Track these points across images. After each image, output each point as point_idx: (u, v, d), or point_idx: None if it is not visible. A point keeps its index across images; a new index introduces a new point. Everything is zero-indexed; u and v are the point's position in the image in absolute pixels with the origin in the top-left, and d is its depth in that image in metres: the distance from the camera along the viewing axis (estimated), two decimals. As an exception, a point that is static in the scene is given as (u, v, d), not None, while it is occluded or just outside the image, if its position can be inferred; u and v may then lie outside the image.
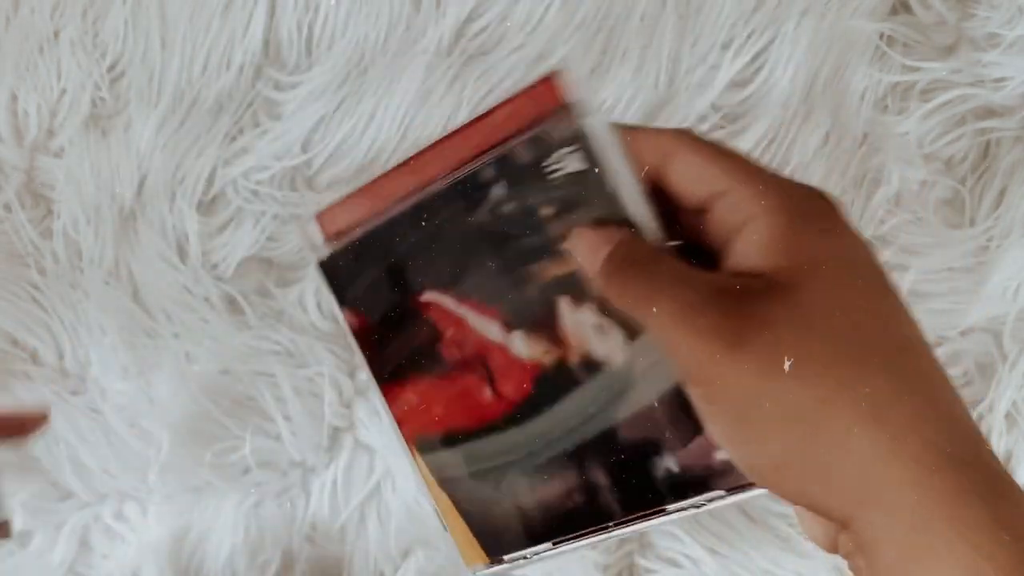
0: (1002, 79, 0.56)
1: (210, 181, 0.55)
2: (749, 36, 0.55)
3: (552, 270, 0.36)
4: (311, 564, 0.54)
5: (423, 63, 0.55)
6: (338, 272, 0.38)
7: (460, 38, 0.56)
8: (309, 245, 0.38)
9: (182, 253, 0.55)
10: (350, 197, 0.37)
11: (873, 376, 0.27)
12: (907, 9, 0.57)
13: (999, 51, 0.56)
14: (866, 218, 0.55)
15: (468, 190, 0.36)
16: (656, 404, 0.35)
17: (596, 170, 0.33)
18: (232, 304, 0.55)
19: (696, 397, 0.29)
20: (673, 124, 0.55)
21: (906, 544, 0.26)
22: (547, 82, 0.33)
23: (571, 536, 0.37)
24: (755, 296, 0.27)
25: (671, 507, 0.35)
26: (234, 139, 0.55)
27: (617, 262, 0.31)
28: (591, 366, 0.35)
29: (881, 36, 0.56)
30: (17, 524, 0.55)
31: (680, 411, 0.34)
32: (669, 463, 0.35)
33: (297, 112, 0.55)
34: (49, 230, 0.55)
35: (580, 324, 0.35)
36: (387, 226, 0.37)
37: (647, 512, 0.36)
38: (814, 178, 0.55)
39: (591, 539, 0.37)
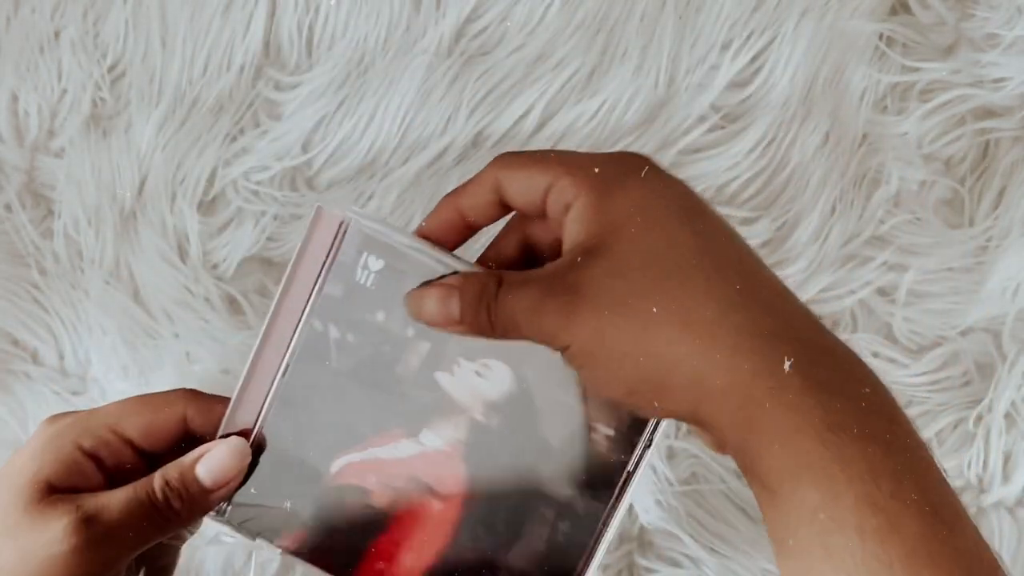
0: (1001, 79, 0.56)
1: (211, 181, 0.55)
2: (749, 37, 0.56)
3: (414, 358, 0.38)
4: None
5: (423, 63, 0.55)
6: (252, 518, 0.39)
7: (460, 38, 0.56)
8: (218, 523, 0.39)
9: (183, 253, 0.55)
10: (218, 445, 0.39)
11: (677, 291, 0.31)
12: (906, 9, 0.57)
13: (998, 51, 0.56)
14: (865, 218, 0.56)
15: (312, 349, 0.39)
16: (560, 395, 0.38)
17: (391, 258, 0.37)
18: (233, 304, 0.55)
19: (567, 364, 0.33)
20: (673, 124, 0.55)
21: (739, 421, 0.30)
22: (318, 218, 0.37)
23: (586, 559, 0.38)
24: (578, 267, 0.32)
25: (630, 464, 0.38)
26: (234, 139, 0.55)
27: (472, 304, 0.34)
28: (495, 408, 0.39)
29: (880, 36, 0.56)
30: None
31: (577, 386, 0.37)
32: (603, 431, 0.38)
33: (297, 112, 0.55)
34: (50, 230, 0.55)
35: (464, 382, 0.38)
36: (268, 439, 0.39)
37: (620, 487, 0.38)
38: (814, 178, 0.55)
39: (602, 549, 0.38)
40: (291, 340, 0.38)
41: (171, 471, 0.37)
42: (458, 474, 0.39)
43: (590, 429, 0.38)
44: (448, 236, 0.37)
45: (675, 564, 0.53)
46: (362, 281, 0.38)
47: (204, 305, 0.54)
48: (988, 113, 0.57)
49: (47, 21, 0.56)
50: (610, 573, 0.53)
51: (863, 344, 0.55)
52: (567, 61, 0.55)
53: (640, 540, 0.54)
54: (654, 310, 0.31)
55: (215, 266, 0.55)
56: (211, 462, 0.38)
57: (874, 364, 0.55)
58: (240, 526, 0.39)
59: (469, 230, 0.37)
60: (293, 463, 0.39)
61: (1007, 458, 0.56)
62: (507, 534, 0.39)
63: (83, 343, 0.55)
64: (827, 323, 0.55)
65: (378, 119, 0.55)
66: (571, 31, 0.55)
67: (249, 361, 0.39)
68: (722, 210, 0.55)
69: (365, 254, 0.37)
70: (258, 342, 0.39)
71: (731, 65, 0.55)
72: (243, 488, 0.39)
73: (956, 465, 0.55)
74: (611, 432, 0.38)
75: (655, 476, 0.53)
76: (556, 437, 0.39)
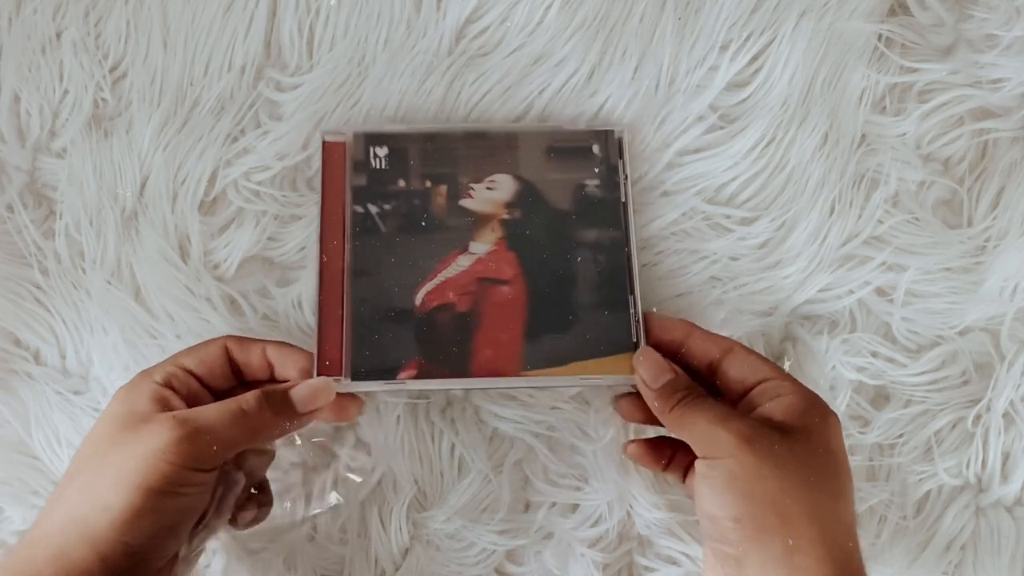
0: (1000, 80, 0.56)
1: (211, 182, 0.55)
2: (748, 37, 0.56)
3: (440, 199, 0.52)
4: (311, 564, 0.54)
5: (423, 64, 0.55)
6: (370, 368, 0.49)
7: (460, 39, 0.56)
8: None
9: (184, 253, 0.55)
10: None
11: (815, 493, 0.41)
12: (905, 10, 0.57)
13: (997, 52, 0.56)
14: (864, 218, 0.56)
15: (363, 227, 0.51)
16: (551, 176, 0.52)
17: (391, 141, 0.53)
18: (233, 304, 0.55)
19: (702, 471, 0.43)
20: (673, 125, 0.55)
21: None
22: (328, 147, 0.52)
23: (629, 273, 0.51)
24: (771, 427, 0.43)
25: (623, 197, 0.52)
26: (235, 140, 0.56)
27: (668, 393, 0.46)
28: (512, 204, 0.52)
29: (879, 37, 0.56)
30: (19, 523, 0.55)
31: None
32: (591, 183, 0.52)
33: (298, 112, 0.55)
34: (51, 230, 0.55)
35: (482, 198, 0.52)
36: (357, 305, 0.50)
37: (624, 214, 0.52)
38: (812, 178, 0.55)
39: (635, 263, 0.51)
40: (344, 227, 0.51)
41: (268, 388, 0.45)
42: (511, 258, 0.51)
43: (582, 187, 0.52)
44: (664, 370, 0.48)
45: (674, 563, 0.53)
46: (377, 166, 0.52)
47: (205, 305, 0.54)
48: (986, 113, 0.57)
49: (49, 22, 0.56)
50: (610, 572, 0.54)
51: (862, 344, 0.55)
52: (567, 61, 0.55)
53: (640, 539, 0.54)
54: (787, 487, 0.41)
55: (216, 266, 0.55)
56: (303, 390, 0.46)
57: (873, 364, 0.55)
58: (361, 379, 0.48)
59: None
60: (385, 313, 0.49)
61: (1006, 457, 0.56)
62: (565, 282, 0.50)
63: (85, 343, 0.55)
64: (826, 323, 0.56)
65: (378, 119, 0.55)
66: (571, 31, 0.56)
67: (317, 262, 0.50)
68: (721, 210, 0.55)
69: (372, 147, 0.52)
70: (317, 238, 0.51)
71: (730, 66, 0.56)
72: (356, 351, 0.48)
73: (955, 465, 0.55)
74: (597, 181, 0.52)
75: (654, 478, 0.53)
76: (563, 202, 0.52)
